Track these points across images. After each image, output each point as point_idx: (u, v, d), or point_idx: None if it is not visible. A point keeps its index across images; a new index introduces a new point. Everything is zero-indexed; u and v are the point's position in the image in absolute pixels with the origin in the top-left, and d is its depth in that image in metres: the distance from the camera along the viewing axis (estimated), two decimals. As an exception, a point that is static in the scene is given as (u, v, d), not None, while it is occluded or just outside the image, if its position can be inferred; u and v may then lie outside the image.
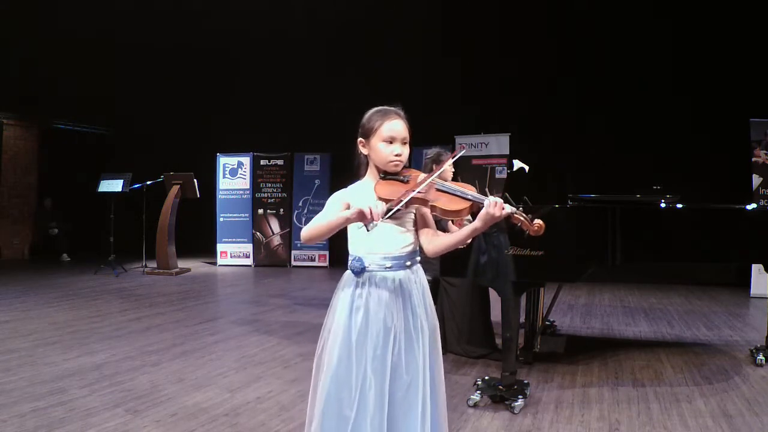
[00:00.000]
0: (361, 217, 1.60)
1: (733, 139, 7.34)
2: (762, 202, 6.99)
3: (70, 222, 10.73)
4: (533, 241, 3.11)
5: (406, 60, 8.71)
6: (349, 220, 1.68)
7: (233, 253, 10.01)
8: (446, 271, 3.70)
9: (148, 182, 8.79)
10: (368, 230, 1.62)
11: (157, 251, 8.69)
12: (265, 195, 10.07)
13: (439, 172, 1.79)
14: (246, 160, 10.09)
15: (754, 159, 7.12)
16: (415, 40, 8.54)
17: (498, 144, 8.66)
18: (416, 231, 1.85)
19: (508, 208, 1.67)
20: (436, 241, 1.82)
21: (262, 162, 10.09)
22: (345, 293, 1.80)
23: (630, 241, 3.30)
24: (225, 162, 10.10)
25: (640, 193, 4.05)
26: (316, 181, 9.93)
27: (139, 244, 9.05)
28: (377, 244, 1.76)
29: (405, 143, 1.81)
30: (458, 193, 1.75)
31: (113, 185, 8.75)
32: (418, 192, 1.71)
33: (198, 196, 8.99)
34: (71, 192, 10.81)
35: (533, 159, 4.27)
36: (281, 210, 10.02)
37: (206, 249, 10.50)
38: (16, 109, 10.61)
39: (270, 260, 9.91)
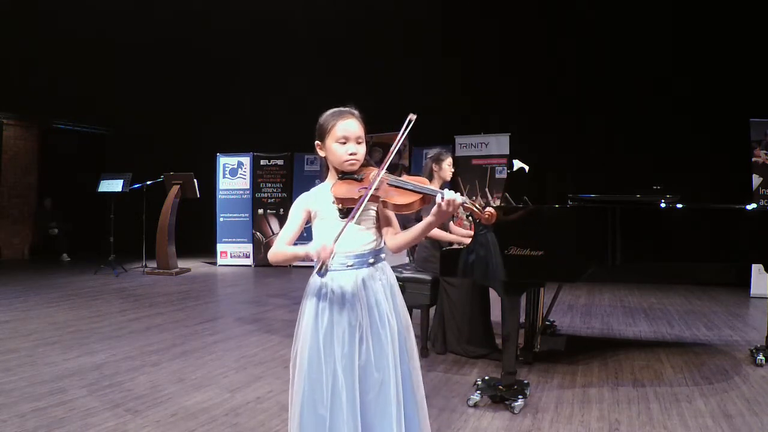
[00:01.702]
0: (312, 257, 1.67)
1: (733, 139, 7.34)
2: (762, 202, 6.98)
3: (70, 222, 10.74)
4: (533, 240, 3.11)
5: (406, 60, 8.71)
6: (299, 257, 1.78)
7: (233, 253, 10.01)
8: (445, 271, 3.70)
9: (148, 182, 8.79)
10: (321, 275, 1.68)
11: (157, 251, 8.69)
12: (265, 195, 10.07)
13: (386, 164, 1.77)
14: (246, 160, 10.09)
15: (754, 159, 7.12)
16: (415, 40, 8.55)
17: (498, 144, 8.67)
18: (379, 229, 1.87)
19: (459, 199, 1.68)
20: (396, 238, 1.85)
21: (262, 162, 10.10)
22: (310, 297, 1.83)
23: (630, 241, 3.30)
24: (225, 162, 10.10)
25: (640, 193, 4.05)
26: (316, 181, 9.79)
27: (139, 244, 9.05)
28: (338, 244, 1.75)
29: (360, 142, 1.83)
30: (408, 187, 1.75)
31: (113, 185, 8.76)
32: (371, 191, 1.72)
33: (198, 196, 8.99)
34: (71, 192, 10.81)
35: (533, 159, 4.27)
36: (281, 210, 10.02)
37: (206, 249, 10.50)
38: (16, 109, 10.61)
39: (270, 260, 9.90)
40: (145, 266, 8.86)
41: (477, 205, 1.72)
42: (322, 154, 1.87)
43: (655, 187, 4.10)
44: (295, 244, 1.86)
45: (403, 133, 1.75)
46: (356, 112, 1.84)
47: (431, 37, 8.64)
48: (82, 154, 11.44)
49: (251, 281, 8.32)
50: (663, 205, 3.72)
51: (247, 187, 10.06)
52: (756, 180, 7.08)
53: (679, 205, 3.67)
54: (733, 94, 7.34)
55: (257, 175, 10.08)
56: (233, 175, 10.11)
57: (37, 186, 11.33)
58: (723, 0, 7.18)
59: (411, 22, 8.40)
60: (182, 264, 9.12)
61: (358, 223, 1.79)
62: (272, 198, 10.07)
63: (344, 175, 1.84)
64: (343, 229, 1.69)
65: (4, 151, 10.74)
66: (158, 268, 8.66)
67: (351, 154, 1.80)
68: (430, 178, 4.21)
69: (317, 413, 1.74)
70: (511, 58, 8.35)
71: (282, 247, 1.82)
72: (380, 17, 8.41)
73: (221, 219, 10.04)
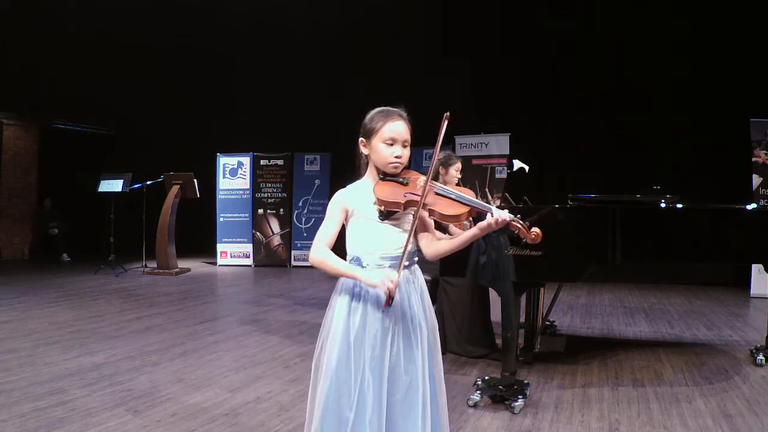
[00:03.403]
0: (377, 287, 1.66)
1: (733, 139, 7.34)
2: (762, 202, 6.98)
3: (70, 222, 10.73)
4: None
5: (406, 60, 8.71)
6: (345, 276, 1.75)
7: (233, 253, 10.01)
8: (446, 271, 3.71)
9: (148, 182, 8.79)
10: (388, 308, 1.70)
11: (157, 251, 8.69)
12: (265, 195, 10.07)
13: (432, 170, 1.77)
14: (246, 160, 10.09)
15: (754, 159, 7.12)
16: (415, 40, 8.55)
17: (498, 144, 8.66)
18: (415, 233, 1.84)
19: (509, 217, 1.67)
20: (435, 246, 1.83)
21: (262, 162, 10.10)
22: (343, 294, 1.81)
23: (630, 241, 3.30)
24: (225, 162, 10.10)
25: (640, 193, 4.05)
26: (316, 181, 9.93)
27: (139, 244, 9.05)
28: (375, 244, 1.76)
29: (406, 145, 1.81)
30: (457, 198, 1.75)
31: (113, 185, 8.75)
32: (422, 198, 1.70)
33: (198, 196, 8.99)
34: (71, 192, 10.81)
35: (533, 159, 4.27)
36: (281, 210, 10.02)
37: (206, 249, 10.50)
38: (16, 109, 10.61)
39: (270, 260, 9.91)
40: (145, 266, 8.86)
41: (522, 224, 1.70)
42: (365, 151, 1.83)
43: (655, 187, 4.09)
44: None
45: (441, 136, 1.73)
46: (404, 114, 1.82)
47: (431, 37, 8.64)
48: (82, 154, 11.42)
49: (251, 281, 8.33)
50: (663, 205, 3.72)
51: (247, 187, 10.06)
52: (756, 180, 7.08)
53: (679, 205, 3.67)
54: (733, 94, 7.34)
55: (257, 175, 10.07)
56: (233, 175, 10.11)
57: (37, 186, 11.32)
58: (723, 1, 7.18)
59: (411, 22, 8.39)
60: (182, 264, 9.12)
61: (396, 225, 1.79)
62: (272, 198, 10.07)
63: (386, 176, 1.81)
64: (403, 257, 1.72)
65: (4, 151, 10.73)
66: (158, 268, 8.66)
67: (396, 157, 1.78)
68: (435, 180, 4.18)
69: (341, 415, 1.71)
70: (511, 57, 8.35)
71: (329, 255, 1.76)
72: (380, 17, 8.41)
73: (221, 219, 10.04)
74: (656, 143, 7.75)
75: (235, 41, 9.29)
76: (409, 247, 1.80)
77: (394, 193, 1.75)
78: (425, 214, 1.80)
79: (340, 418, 1.71)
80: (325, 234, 1.80)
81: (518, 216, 1.72)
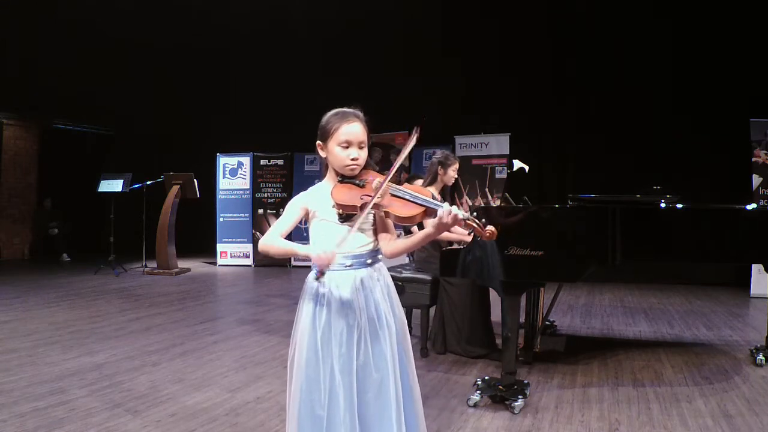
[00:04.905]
0: (313, 260, 1.67)
1: (733, 139, 7.34)
2: (762, 202, 6.98)
3: (70, 222, 10.74)
4: (533, 241, 3.11)
5: (406, 60, 8.71)
6: (292, 254, 1.80)
7: (233, 253, 10.01)
8: (445, 272, 3.70)
9: (148, 182, 8.79)
10: (318, 279, 1.71)
11: (157, 251, 8.69)
12: (265, 195, 10.07)
13: (390, 174, 1.75)
14: (246, 160, 10.09)
15: (754, 159, 7.12)
16: (415, 40, 8.55)
17: (498, 144, 8.66)
18: (375, 232, 1.87)
19: (462, 215, 1.68)
20: (393, 245, 1.84)
21: (262, 162, 10.10)
22: (309, 295, 1.83)
23: (630, 241, 3.30)
24: (225, 162, 10.10)
25: (640, 193, 4.05)
26: (316, 181, 9.73)
27: (139, 244, 9.05)
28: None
29: (362, 147, 1.81)
30: (412, 199, 1.75)
31: (113, 185, 8.75)
32: (375, 200, 1.71)
33: (198, 196, 8.99)
34: (71, 192, 10.81)
35: (533, 159, 4.27)
36: (281, 210, 9.96)
37: (206, 249, 10.50)
38: (16, 109, 10.61)
39: (270, 260, 9.90)
40: (145, 266, 8.86)
41: (478, 222, 1.71)
42: (323, 154, 1.85)
43: (655, 187, 4.09)
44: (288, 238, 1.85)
45: (409, 145, 1.74)
46: (360, 115, 1.82)
47: (431, 37, 8.64)
48: (81, 154, 11.44)
49: (251, 281, 8.32)
50: (663, 205, 3.72)
51: (247, 187, 10.07)
52: (756, 180, 7.08)
53: (679, 205, 3.67)
54: (733, 94, 7.34)
55: (257, 175, 10.08)
56: (233, 175, 10.11)
57: (37, 186, 11.33)
58: (723, 1, 7.18)
59: (411, 21, 8.39)
60: (182, 264, 9.12)
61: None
62: (272, 198, 10.07)
63: (344, 179, 1.83)
64: (345, 237, 1.71)
65: (4, 151, 10.74)
66: (158, 268, 8.66)
67: (353, 159, 1.79)
68: (433, 180, 4.20)
69: (315, 413, 1.74)
70: (511, 58, 8.35)
71: (276, 239, 1.81)
72: (380, 17, 8.41)
73: (221, 219, 10.04)
74: (656, 143, 7.74)
75: (235, 41, 9.29)
76: (371, 245, 1.83)
77: (350, 196, 1.77)
78: (382, 214, 1.82)
79: (314, 416, 1.73)
80: (280, 227, 1.83)
81: (474, 215, 1.73)
